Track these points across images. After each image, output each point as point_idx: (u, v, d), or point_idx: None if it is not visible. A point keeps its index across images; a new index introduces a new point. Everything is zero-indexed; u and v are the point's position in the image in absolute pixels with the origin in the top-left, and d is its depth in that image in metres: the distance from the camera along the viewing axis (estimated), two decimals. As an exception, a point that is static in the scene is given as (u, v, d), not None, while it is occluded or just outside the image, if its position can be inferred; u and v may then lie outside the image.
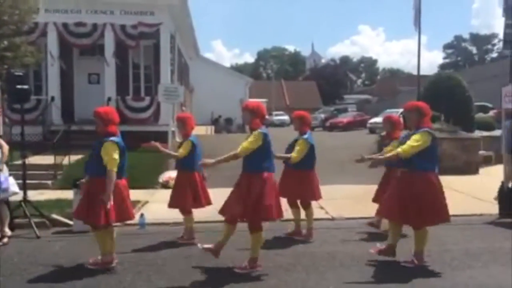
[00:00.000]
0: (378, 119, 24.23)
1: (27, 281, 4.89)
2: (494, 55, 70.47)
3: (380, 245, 5.53)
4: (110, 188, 4.92)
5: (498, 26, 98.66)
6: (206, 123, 27.82)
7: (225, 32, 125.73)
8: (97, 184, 5.01)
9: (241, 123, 26.44)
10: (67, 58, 16.07)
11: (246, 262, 5.08)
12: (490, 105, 21.96)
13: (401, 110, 12.34)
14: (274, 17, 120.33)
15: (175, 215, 6.79)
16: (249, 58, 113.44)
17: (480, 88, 21.02)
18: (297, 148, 6.34)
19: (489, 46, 73.80)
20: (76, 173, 8.42)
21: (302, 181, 6.42)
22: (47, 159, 11.38)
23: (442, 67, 70.59)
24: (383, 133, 7.53)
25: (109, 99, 15.11)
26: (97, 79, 16.62)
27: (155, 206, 8.72)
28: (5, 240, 6.46)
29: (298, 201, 6.67)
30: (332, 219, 7.95)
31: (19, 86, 7.44)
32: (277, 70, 71.75)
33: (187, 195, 6.30)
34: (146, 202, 9.19)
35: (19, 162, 7.84)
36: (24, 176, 7.53)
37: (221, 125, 31.55)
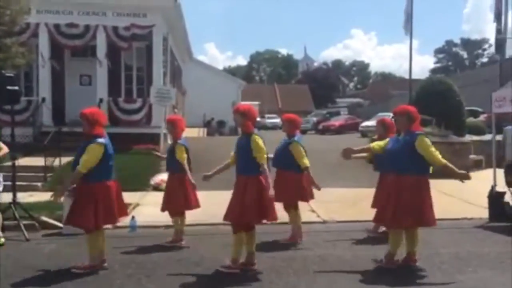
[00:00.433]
0: (370, 123, 24.30)
1: (14, 285, 4.82)
2: (485, 60, 71.18)
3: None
4: (67, 185, 5.01)
5: (489, 31, 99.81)
6: (198, 125, 27.80)
7: (218, 34, 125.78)
8: (85, 188, 5.00)
9: (233, 126, 26.44)
10: (58, 59, 15.95)
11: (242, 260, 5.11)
12: (480, 109, 22.14)
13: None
14: (267, 20, 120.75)
15: (167, 218, 6.75)
16: (242, 61, 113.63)
17: (470, 92, 21.20)
18: (295, 154, 6.30)
19: (480, 51, 74.52)
20: (67, 175, 8.36)
21: (292, 183, 6.39)
22: (37, 161, 11.29)
23: (433, 71, 71.14)
24: (375, 136, 7.53)
25: (101, 100, 15.03)
26: (89, 80, 16.53)
27: (146, 208, 8.68)
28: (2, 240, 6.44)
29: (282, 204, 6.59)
30: (324, 222, 7.95)
31: (9, 87, 7.37)
32: (269, 73, 71.91)
33: (179, 197, 6.30)
34: (138, 204, 9.14)
35: (9, 163, 7.76)
36: (14, 178, 7.46)
37: (214, 127, 31.51)
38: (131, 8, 15.43)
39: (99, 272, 5.10)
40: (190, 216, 6.72)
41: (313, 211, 8.26)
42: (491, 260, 5.68)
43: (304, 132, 27.06)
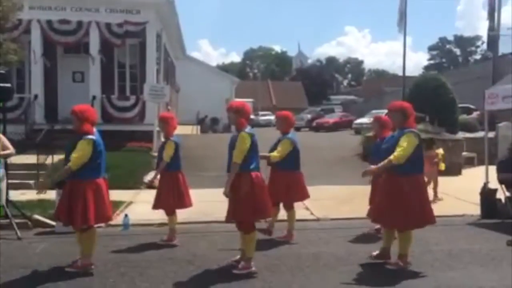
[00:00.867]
0: (364, 120, 24.36)
1: (6, 284, 4.79)
2: (478, 57, 71.53)
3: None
4: (54, 178, 4.88)
5: (482, 28, 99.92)
6: (192, 122, 27.72)
7: (211, 31, 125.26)
8: (74, 185, 4.98)
9: (227, 123, 26.35)
10: (51, 56, 15.84)
11: (243, 263, 5.06)
12: (473, 106, 22.23)
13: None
14: (261, 17, 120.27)
15: (160, 216, 6.74)
16: (236, 57, 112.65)
17: (463, 89, 21.26)
18: (279, 148, 6.33)
19: (473, 48, 74.86)
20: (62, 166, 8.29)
21: (288, 182, 6.40)
22: (30, 159, 11.19)
23: (427, 68, 71.36)
24: (370, 134, 7.51)
25: (94, 97, 14.96)
26: (82, 77, 16.42)
27: (139, 206, 8.65)
28: None
29: (281, 203, 6.63)
30: (317, 220, 7.96)
31: (1, 84, 7.31)
32: (263, 70, 71.77)
33: (171, 195, 6.28)
34: (131, 202, 9.11)
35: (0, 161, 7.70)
36: (6, 176, 7.40)
37: (207, 125, 31.45)
38: (124, 5, 15.35)
39: (92, 271, 5.08)
40: (183, 214, 6.71)
41: (307, 208, 8.27)
42: (482, 257, 5.72)
43: (298, 129, 27.09)
